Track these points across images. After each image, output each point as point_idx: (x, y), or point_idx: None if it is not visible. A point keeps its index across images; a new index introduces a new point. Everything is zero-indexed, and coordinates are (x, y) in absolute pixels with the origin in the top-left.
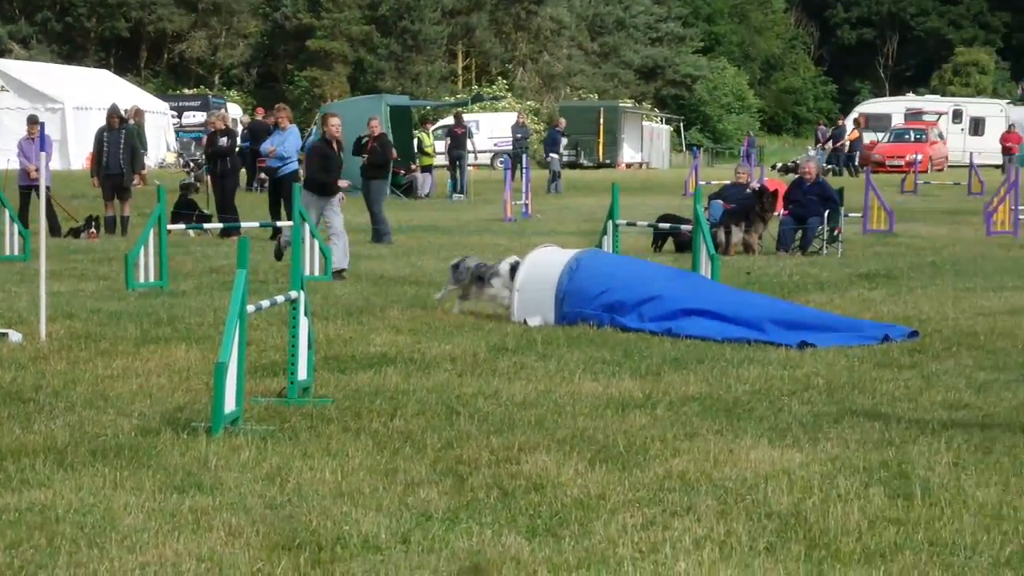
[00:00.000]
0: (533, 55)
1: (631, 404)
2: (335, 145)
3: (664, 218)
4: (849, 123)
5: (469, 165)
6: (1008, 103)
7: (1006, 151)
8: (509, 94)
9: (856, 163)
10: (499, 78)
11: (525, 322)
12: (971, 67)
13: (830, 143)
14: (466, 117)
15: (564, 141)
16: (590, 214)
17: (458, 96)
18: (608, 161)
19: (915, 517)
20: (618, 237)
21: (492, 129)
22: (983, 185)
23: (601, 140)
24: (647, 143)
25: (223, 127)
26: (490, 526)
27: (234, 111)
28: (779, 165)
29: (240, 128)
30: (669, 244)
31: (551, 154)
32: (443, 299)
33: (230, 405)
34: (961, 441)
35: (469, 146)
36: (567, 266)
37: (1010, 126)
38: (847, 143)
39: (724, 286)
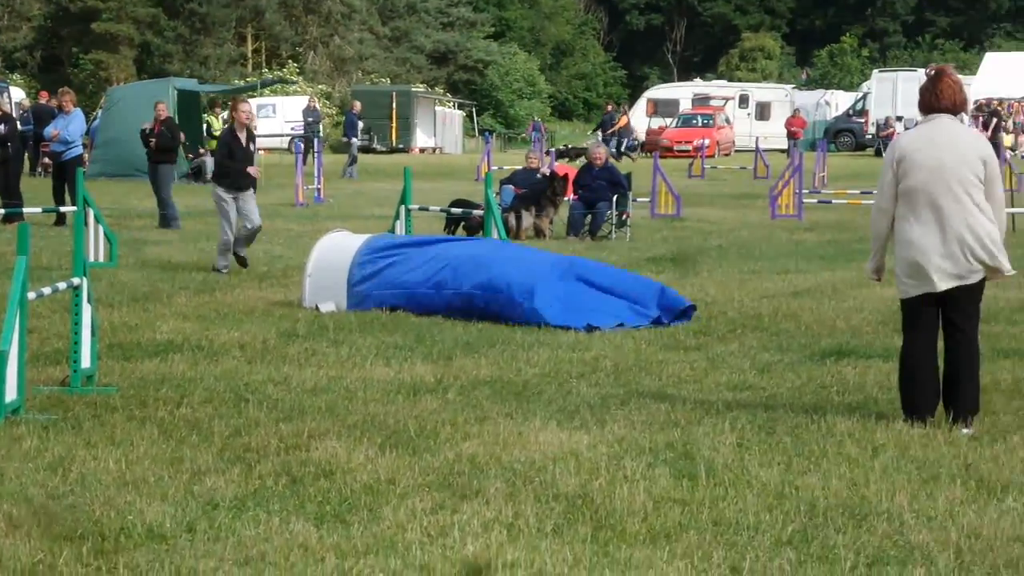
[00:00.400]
0: (324, 38)
1: (422, 389)
2: (245, 133)
3: (456, 203)
4: (641, 111)
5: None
6: (793, 88)
7: (791, 135)
8: (300, 78)
9: (622, 148)
10: (290, 61)
11: (317, 308)
12: (757, 52)
13: (600, 131)
14: (263, 101)
15: (361, 125)
16: (383, 199)
17: (248, 79)
18: (401, 146)
19: (699, 497)
20: (411, 222)
21: (288, 113)
22: (768, 169)
23: (394, 125)
24: (440, 128)
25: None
26: (278, 513)
27: (17, 95)
28: (551, 150)
29: (20, 112)
30: (461, 229)
31: (351, 138)
32: None
33: (11, 394)
34: (745, 422)
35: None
36: (359, 251)
37: (795, 111)
38: (617, 130)
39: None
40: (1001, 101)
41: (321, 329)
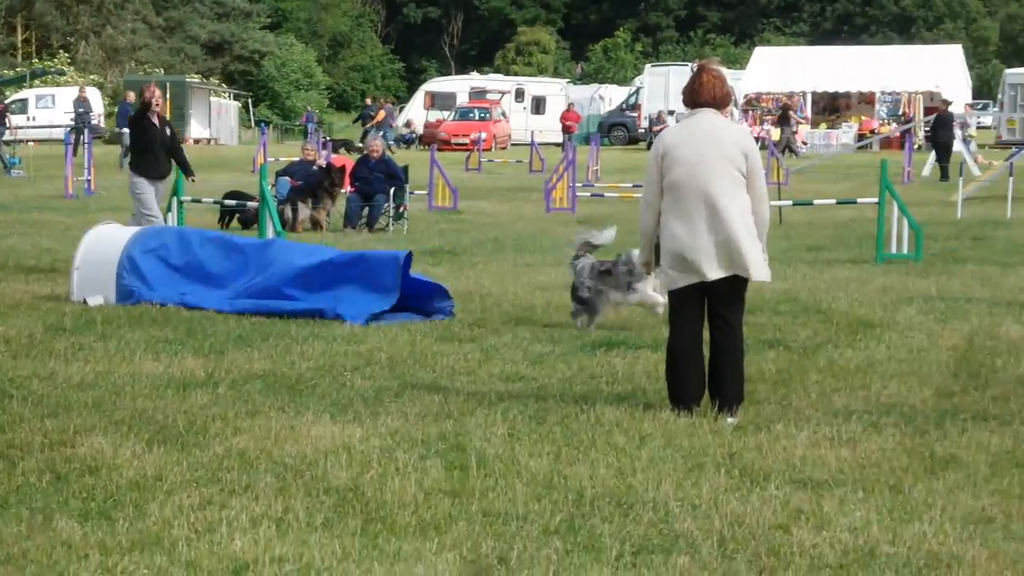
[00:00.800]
0: (96, 28)
1: (193, 383)
2: (157, 119)
3: (230, 195)
4: (419, 104)
5: (19, 140)
6: (568, 82)
7: (566, 130)
8: (71, 68)
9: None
10: (61, 51)
11: (85, 301)
12: (533, 46)
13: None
14: (41, 91)
15: None
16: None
17: (17, 70)
18: None
19: (470, 488)
20: (183, 214)
21: (68, 104)
22: (544, 163)
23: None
24: (215, 119)
25: None
26: (41, 511)
27: None
28: (325, 141)
29: None
30: (236, 221)
31: (124, 128)
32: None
33: None
34: (517, 412)
35: (8, 122)
36: (128, 244)
37: (569, 105)
38: (376, 123)
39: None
40: (791, 95)
41: (89, 323)
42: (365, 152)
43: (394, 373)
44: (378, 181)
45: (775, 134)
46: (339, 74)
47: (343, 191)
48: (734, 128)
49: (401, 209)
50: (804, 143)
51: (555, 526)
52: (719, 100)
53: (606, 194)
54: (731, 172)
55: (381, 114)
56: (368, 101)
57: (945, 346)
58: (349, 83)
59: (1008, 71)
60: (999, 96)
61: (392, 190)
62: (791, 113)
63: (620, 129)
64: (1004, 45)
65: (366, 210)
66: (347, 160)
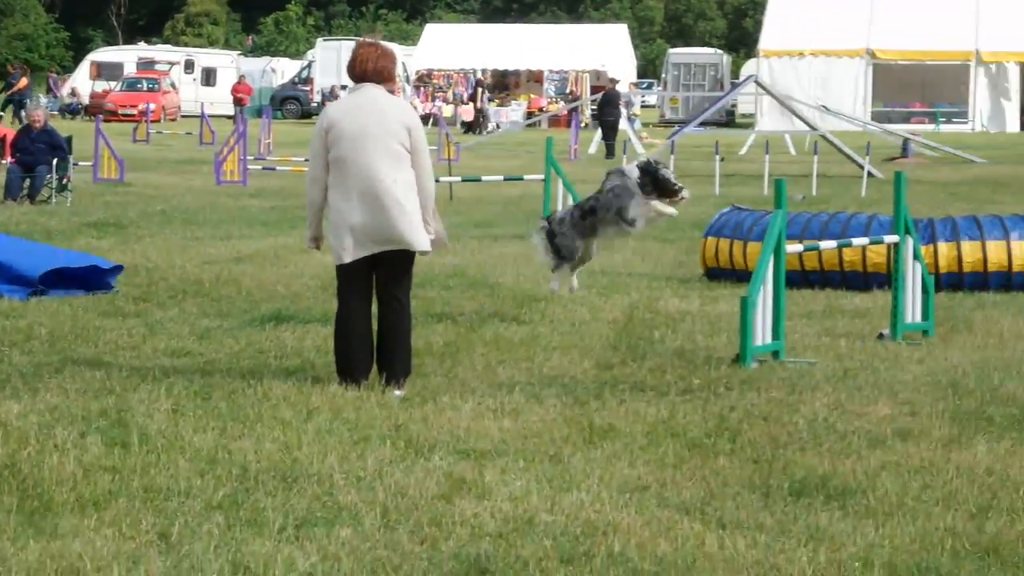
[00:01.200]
0: None
1: None
2: None
3: None
4: (84, 74)
5: None
6: (239, 54)
7: (237, 102)
8: None
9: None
10: None
11: None
12: (203, 18)
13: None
14: None
15: None
16: None
17: None
18: None
19: (131, 464)
20: None
21: None
22: (214, 135)
23: None
24: None
25: None
26: None
27: None
28: None
29: None
30: None
31: None
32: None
33: None
34: (181, 388)
35: None
36: None
37: (241, 77)
38: (17, 91)
39: None
40: (484, 72)
41: None
42: (27, 122)
43: (54, 348)
44: (40, 152)
45: (447, 111)
46: (1, 43)
47: (3, 162)
48: (398, 103)
49: (64, 180)
50: (503, 125)
51: (218, 501)
52: (372, 73)
53: (278, 167)
54: (394, 147)
55: (23, 81)
56: (11, 69)
57: (606, 319)
58: (12, 52)
59: (672, 51)
60: (663, 75)
61: (55, 161)
62: (480, 90)
63: (293, 103)
64: (668, 25)
65: (27, 181)
66: (7, 130)
